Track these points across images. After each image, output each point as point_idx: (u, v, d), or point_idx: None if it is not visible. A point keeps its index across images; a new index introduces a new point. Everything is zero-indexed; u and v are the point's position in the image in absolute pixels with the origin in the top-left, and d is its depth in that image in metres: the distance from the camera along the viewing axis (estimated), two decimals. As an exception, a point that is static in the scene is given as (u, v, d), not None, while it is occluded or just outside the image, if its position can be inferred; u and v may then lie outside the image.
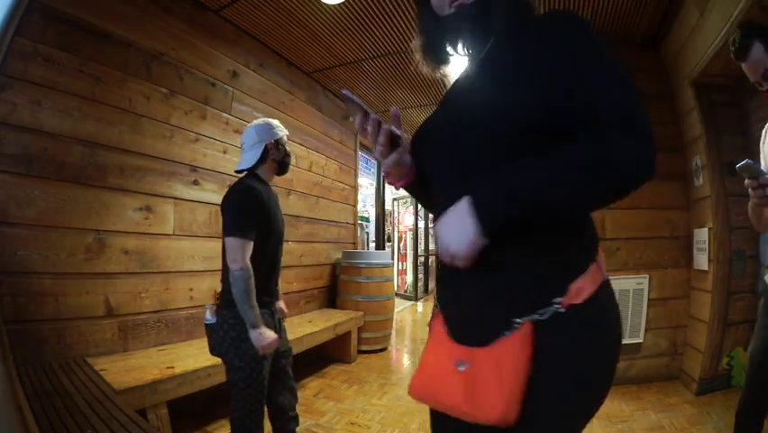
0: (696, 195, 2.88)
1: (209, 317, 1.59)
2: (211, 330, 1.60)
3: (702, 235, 2.78)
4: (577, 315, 0.63)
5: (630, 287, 2.92)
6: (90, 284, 2.10)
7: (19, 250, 1.85)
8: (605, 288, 0.68)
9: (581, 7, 2.81)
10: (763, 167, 1.44)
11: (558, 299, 0.63)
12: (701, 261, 2.79)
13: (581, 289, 0.64)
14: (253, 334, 1.50)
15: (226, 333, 1.54)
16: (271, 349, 1.55)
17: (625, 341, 2.91)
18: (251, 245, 1.53)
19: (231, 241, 1.51)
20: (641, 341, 2.92)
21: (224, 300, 1.58)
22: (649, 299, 2.93)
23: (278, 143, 1.71)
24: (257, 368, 1.54)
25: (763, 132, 1.45)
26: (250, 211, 1.55)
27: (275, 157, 1.71)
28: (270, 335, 1.54)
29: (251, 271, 1.51)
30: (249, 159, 1.68)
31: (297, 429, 1.80)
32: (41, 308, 1.90)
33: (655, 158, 0.60)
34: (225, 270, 1.59)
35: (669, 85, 3.04)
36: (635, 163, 0.59)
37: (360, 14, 2.96)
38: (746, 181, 1.14)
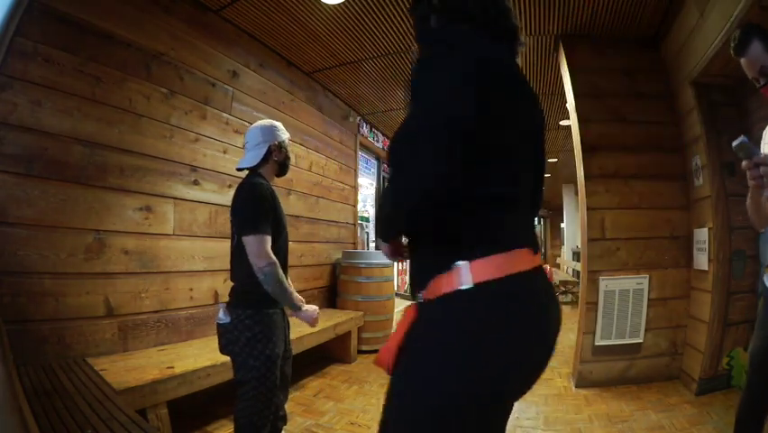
0: (696, 195, 2.88)
1: (222, 316, 1.60)
2: (224, 329, 1.60)
3: (702, 235, 2.78)
4: (428, 308, 0.73)
5: (630, 287, 2.92)
6: (90, 284, 2.10)
7: (19, 250, 1.85)
8: (470, 293, 0.67)
9: (582, 7, 2.81)
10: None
11: (420, 293, 0.75)
12: (701, 261, 2.79)
13: (434, 287, 0.71)
14: (301, 315, 1.60)
15: (241, 333, 1.55)
16: (318, 319, 1.67)
17: (624, 341, 2.91)
18: (269, 239, 1.54)
19: (251, 239, 1.51)
20: (641, 341, 2.92)
21: (237, 300, 1.59)
22: (649, 299, 2.93)
23: (280, 146, 1.73)
24: (271, 368, 1.55)
25: (764, 132, 1.45)
26: (262, 207, 1.57)
27: (277, 159, 1.73)
28: (313, 307, 1.65)
29: (278, 263, 1.53)
30: (251, 158, 1.69)
31: (299, 430, 1.80)
32: (41, 308, 1.90)
33: (409, 197, 0.68)
34: (237, 269, 1.60)
35: (669, 85, 3.04)
36: (394, 202, 0.72)
37: (360, 14, 2.96)
38: (744, 163, 1.13)
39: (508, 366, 0.68)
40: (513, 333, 0.68)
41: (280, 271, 1.54)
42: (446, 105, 0.67)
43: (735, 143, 1.11)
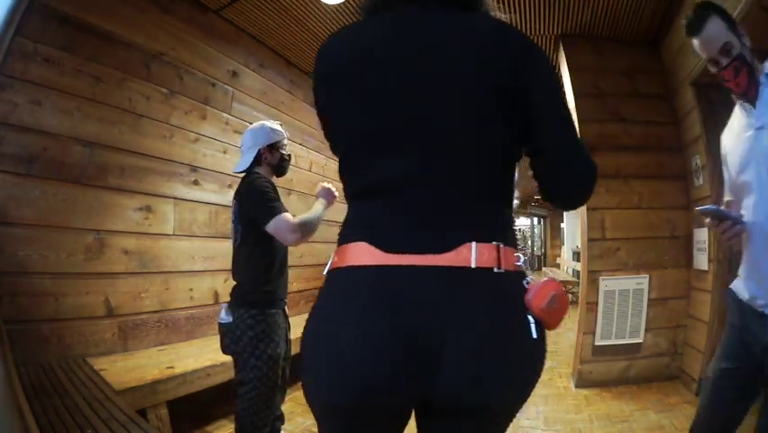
0: (696, 195, 2.87)
1: (224, 315, 1.60)
2: (226, 329, 1.60)
3: (702, 235, 2.78)
4: None
5: (630, 287, 2.92)
6: (90, 284, 2.10)
7: (19, 250, 1.85)
8: (328, 277, 0.73)
9: (581, 8, 2.81)
10: (727, 178, 1.31)
11: None
12: (701, 261, 2.79)
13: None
14: (328, 205, 1.82)
15: (244, 333, 1.55)
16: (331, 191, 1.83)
17: (624, 341, 2.91)
18: (288, 214, 1.56)
19: (272, 224, 1.51)
20: (641, 341, 2.92)
21: (240, 300, 1.59)
22: (649, 299, 2.93)
23: (271, 148, 1.71)
24: (273, 367, 1.56)
25: (721, 138, 1.32)
26: (267, 194, 1.57)
27: (269, 161, 1.72)
28: (324, 191, 1.85)
29: (299, 224, 1.55)
30: (244, 162, 1.71)
31: (299, 430, 1.80)
32: (41, 308, 1.90)
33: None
34: (239, 269, 1.61)
35: (668, 85, 3.04)
36: None
37: (360, 14, 2.95)
38: (707, 220, 1.16)
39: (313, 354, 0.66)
40: (313, 326, 0.69)
41: (305, 221, 1.59)
42: None
43: (700, 209, 1.15)
